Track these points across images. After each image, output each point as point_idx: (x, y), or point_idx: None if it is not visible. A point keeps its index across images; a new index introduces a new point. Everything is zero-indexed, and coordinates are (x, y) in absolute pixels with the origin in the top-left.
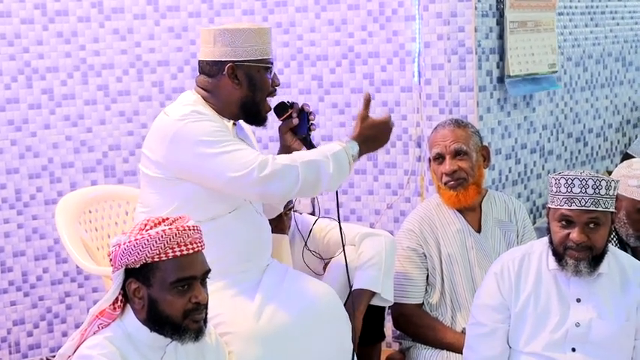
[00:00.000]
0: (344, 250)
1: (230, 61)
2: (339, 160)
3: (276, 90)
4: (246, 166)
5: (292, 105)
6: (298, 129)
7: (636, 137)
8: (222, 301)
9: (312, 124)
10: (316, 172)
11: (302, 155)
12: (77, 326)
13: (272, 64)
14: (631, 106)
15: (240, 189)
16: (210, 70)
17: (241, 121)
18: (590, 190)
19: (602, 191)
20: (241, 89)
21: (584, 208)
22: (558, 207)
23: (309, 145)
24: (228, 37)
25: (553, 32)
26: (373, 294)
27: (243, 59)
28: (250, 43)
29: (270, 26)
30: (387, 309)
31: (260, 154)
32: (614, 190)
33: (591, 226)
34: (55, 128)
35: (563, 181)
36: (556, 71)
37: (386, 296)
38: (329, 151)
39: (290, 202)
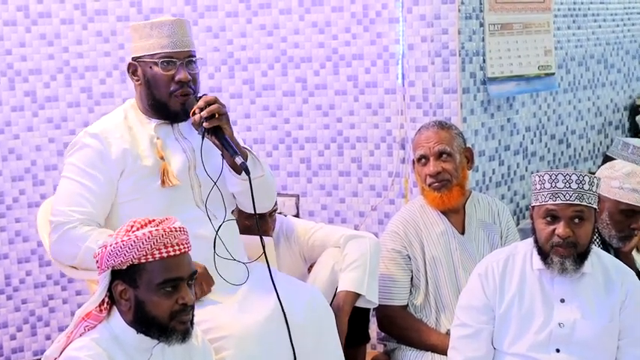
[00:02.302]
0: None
1: (131, 59)
2: None
3: (182, 87)
4: (54, 212)
5: (199, 98)
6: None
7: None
8: (205, 307)
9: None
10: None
11: (100, 239)
12: (61, 329)
13: (172, 57)
14: (613, 107)
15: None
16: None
17: None
18: (574, 185)
19: (586, 186)
20: (142, 87)
21: (568, 202)
22: (543, 203)
23: (219, 139)
24: (132, 34)
25: (548, 34)
26: (358, 296)
27: (138, 55)
28: (145, 38)
29: (179, 19)
30: (371, 311)
31: (82, 212)
32: (597, 187)
33: (576, 221)
34: (38, 131)
35: (547, 178)
36: (553, 73)
37: (371, 298)
38: None
39: (274, 204)
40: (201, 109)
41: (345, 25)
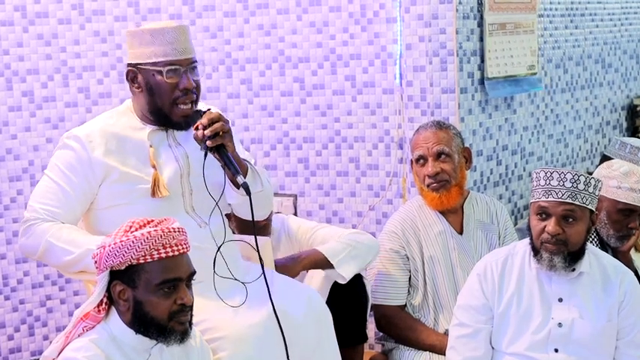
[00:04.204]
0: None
1: (129, 65)
2: (81, 259)
3: (187, 95)
4: (27, 208)
5: (202, 114)
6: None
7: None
8: (204, 307)
9: (202, 134)
10: (55, 256)
11: (61, 236)
12: (58, 330)
13: (175, 65)
14: (610, 107)
15: None
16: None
17: None
18: (567, 184)
19: (580, 186)
20: (144, 94)
21: (560, 199)
22: (537, 200)
23: (221, 155)
24: (130, 40)
25: (533, 34)
26: (328, 264)
27: (138, 62)
28: (145, 44)
29: (181, 25)
30: (369, 310)
31: (49, 210)
32: (595, 188)
33: (568, 220)
34: (35, 131)
35: (542, 175)
36: (535, 73)
37: (342, 272)
38: (82, 246)
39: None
40: (205, 127)
41: (342, 25)
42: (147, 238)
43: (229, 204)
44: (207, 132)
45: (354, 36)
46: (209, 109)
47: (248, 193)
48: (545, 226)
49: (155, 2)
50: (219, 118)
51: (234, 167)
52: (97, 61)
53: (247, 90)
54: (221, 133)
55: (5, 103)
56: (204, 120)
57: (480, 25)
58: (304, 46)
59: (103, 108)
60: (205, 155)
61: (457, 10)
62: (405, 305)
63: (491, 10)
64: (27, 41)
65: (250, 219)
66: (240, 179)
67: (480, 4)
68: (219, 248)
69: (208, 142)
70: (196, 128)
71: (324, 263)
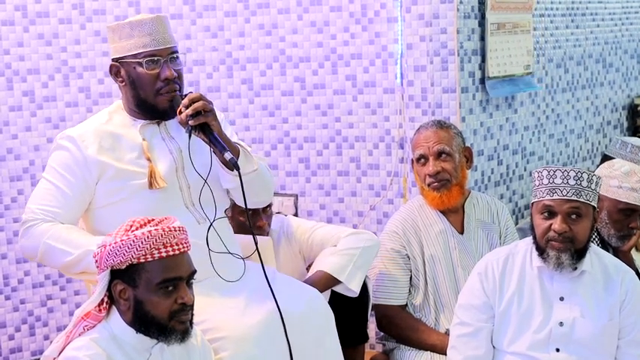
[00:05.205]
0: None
1: (112, 60)
2: (81, 260)
3: (169, 85)
4: (25, 210)
5: (184, 97)
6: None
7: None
8: (205, 306)
9: (185, 114)
10: (55, 257)
11: (59, 237)
12: (59, 329)
13: (155, 55)
14: (611, 107)
15: None
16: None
17: None
18: (571, 182)
19: (584, 183)
20: (128, 88)
21: (565, 197)
22: (541, 199)
23: (207, 136)
24: (110, 35)
25: (529, 34)
26: (336, 282)
27: (120, 56)
28: (125, 38)
29: (159, 15)
30: (370, 310)
31: (48, 210)
32: (596, 185)
33: (573, 217)
34: (36, 130)
35: (545, 173)
36: (531, 73)
37: (352, 287)
38: (81, 247)
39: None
40: (187, 107)
41: (343, 24)
42: (147, 237)
43: (227, 190)
44: (188, 111)
45: (355, 35)
46: (190, 92)
47: (237, 168)
48: (550, 225)
49: (156, 2)
50: (199, 98)
51: (220, 145)
52: (97, 61)
53: (248, 90)
54: (203, 112)
55: (6, 102)
56: (185, 101)
57: (481, 24)
58: (305, 45)
59: (103, 107)
60: (190, 136)
61: (458, 10)
62: (406, 305)
63: (493, 10)
64: (27, 41)
65: (249, 205)
66: (227, 155)
67: (482, 3)
68: (212, 222)
69: (190, 122)
70: (180, 112)
71: (332, 282)
